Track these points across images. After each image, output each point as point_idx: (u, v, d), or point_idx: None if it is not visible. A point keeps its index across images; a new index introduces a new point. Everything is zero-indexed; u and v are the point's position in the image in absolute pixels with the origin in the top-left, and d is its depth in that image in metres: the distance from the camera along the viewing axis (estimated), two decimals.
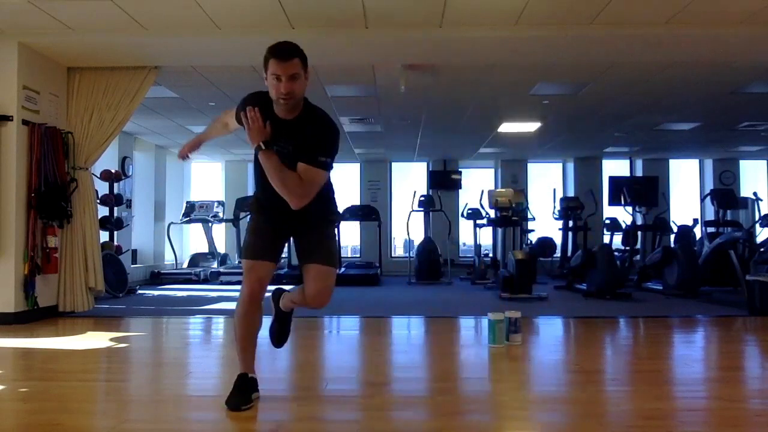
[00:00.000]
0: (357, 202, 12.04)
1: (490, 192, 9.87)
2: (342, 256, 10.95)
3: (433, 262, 10.06)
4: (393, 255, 12.64)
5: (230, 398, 2.69)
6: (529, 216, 10.31)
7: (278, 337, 3.17)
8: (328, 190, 2.81)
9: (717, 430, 2.55)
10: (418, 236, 10.73)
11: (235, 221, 10.83)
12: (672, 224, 9.97)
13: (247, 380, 2.76)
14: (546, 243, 10.74)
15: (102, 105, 6.04)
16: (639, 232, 9.65)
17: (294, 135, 2.62)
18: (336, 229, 2.97)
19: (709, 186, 12.11)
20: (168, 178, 11.27)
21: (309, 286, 2.79)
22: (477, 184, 12.16)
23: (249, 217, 2.96)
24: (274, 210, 2.74)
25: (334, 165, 2.68)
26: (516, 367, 3.86)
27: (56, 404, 2.89)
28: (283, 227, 2.82)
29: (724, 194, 9.80)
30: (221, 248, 11.53)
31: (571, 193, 12.25)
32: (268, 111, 2.62)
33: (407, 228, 10.47)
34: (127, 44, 5.56)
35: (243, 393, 2.72)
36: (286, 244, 3.05)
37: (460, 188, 12.39)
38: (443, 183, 12.33)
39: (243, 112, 2.60)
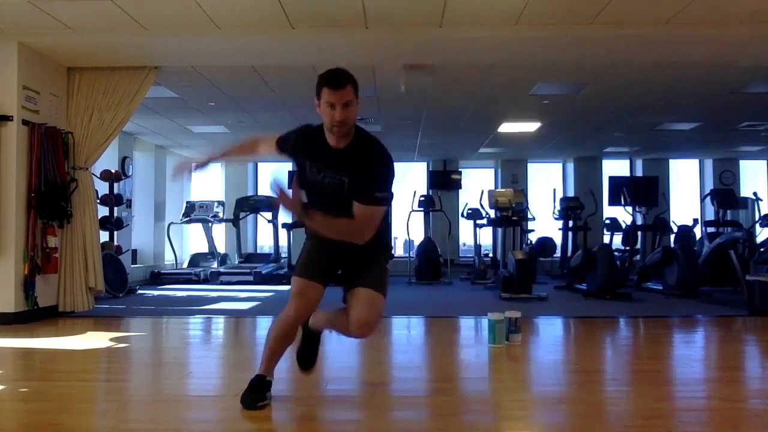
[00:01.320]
0: None
1: (490, 192, 9.86)
2: None
3: (433, 262, 10.05)
4: (393, 255, 12.59)
5: (245, 395, 2.68)
6: (529, 216, 10.30)
7: (307, 361, 3.02)
8: (382, 224, 2.68)
9: (717, 430, 2.56)
10: (418, 236, 10.73)
11: (235, 221, 10.82)
12: (672, 224, 9.96)
13: (264, 382, 2.72)
14: (546, 243, 10.72)
15: (102, 105, 6.04)
16: (639, 232, 9.63)
17: (346, 164, 2.60)
18: (387, 264, 2.84)
19: (709, 186, 12.09)
20: (168, 178, 11.25)
21: (355, 312, 2.66)
22: (477, 184, 12.15)
23: (306, 238, 2.85)
24: (328, 241, 2.67)
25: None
26: (516, 367, 3.86)
27: (56, 404, 2.89)
28: (336, 257, 2.74)
29: (724, 194, 9.79)
30: (221, 248, 11.51)
31: (571, 193, 12.24)
32: (320, 141, 2.63)
33: (407, 228, 10.46)
34: (127, 44, 5.56)
35: (258, 391, 2.68)
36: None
37: (460, 188, 12.38)
38: (443, 183, 12.32)
39: (280, 196, 2.47)
